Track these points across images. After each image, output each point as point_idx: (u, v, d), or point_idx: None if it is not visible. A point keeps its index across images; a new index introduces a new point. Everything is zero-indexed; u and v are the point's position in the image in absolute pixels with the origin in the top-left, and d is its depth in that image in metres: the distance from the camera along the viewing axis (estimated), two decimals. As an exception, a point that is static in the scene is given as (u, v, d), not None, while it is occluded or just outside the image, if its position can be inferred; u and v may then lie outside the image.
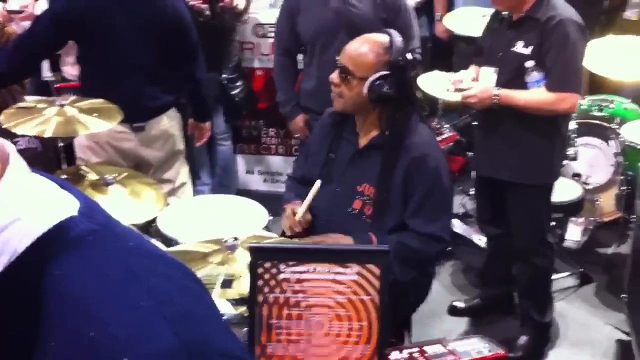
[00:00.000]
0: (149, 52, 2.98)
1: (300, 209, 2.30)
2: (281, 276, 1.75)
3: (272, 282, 1.75)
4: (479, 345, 1.95)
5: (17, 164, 0.67)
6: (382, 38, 2.26)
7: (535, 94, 2.71)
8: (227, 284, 1.85)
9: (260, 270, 1.75)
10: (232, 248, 1.97)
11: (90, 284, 0.63)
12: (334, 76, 2.27)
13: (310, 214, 2.34)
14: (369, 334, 1.73)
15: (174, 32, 3.02)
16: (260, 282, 1.75)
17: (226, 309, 1.84)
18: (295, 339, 1.72)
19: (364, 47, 2.24)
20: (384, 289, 1.80)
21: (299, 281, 1.76)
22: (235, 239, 1.99)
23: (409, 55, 2.29)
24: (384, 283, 1.81)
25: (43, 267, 0.63)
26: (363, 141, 2.33)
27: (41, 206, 0.65)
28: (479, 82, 2.89)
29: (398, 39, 2.25)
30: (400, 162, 2.21)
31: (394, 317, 2.18)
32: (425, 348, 1.91)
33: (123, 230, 0.70)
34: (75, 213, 0.67)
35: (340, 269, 1.78)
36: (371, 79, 2.20)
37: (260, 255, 1.77)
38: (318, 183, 2.28)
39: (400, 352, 1.91)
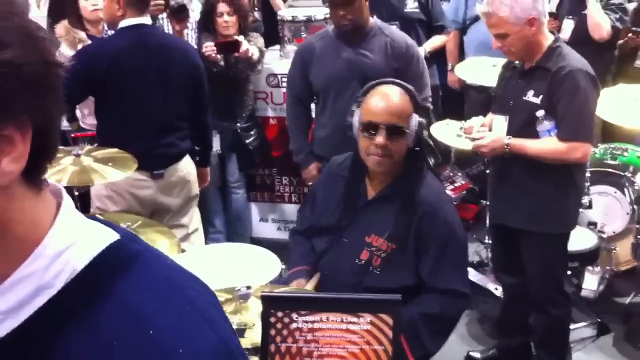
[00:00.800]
0: (167, 104, 3.05)
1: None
2: (293, 325, 1.74)
3: (285, 332, 1.74)
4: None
5: (69, 200, 0.78)
6: (398, 86, 2.23)
7: (547, 144, 2.71)
8: (239, 333, 1.83)
9: (272, 319, 1.74)
10: (245, 297, 1.97)
11: (142, 294, 0.74)
12: (382, 140, 2.15)
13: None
14: (382, 385, 1.70)
15: (192, 82, 3.12)
16: (272, 332, 1.74)
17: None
18: (308, 390, 1.70)
19: (399, 98, 2.19)
20: (396, 339, 1.78)
21: (311, 330, 1.75)
22: (248, 287, 1.99)
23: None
24: (397, 333, 1.79)
25: (103, 281, 0.73)
26: (373, 192, 2.29)
27: (92, 232, 0.77)
28: (491, 130, 2.90)
29: (403, 83, 2.25)
30: (412, 216, 2.18)
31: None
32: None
33: (160, 252, 0.83)
34: (119, 237, 0.78)
35: (353, 319, 1.76)
36: (414, 126, 2.17)
37: (272, 304, 1.76)
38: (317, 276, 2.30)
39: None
